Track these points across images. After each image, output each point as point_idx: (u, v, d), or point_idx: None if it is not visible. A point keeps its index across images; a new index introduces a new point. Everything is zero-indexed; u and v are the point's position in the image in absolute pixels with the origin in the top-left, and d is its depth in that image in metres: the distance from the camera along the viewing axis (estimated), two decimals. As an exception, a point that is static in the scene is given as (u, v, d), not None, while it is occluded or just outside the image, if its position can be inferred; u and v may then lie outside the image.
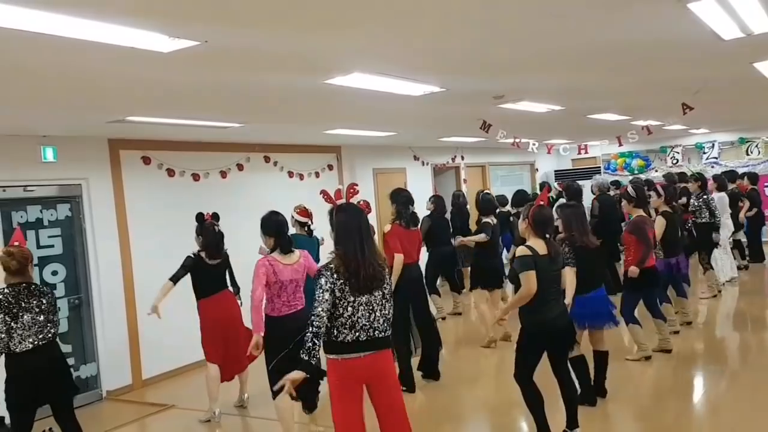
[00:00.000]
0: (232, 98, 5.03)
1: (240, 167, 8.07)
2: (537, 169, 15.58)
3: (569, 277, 4.64)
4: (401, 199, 6.08)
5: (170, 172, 7.22)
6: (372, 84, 4.79)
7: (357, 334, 3.36)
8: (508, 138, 8.36)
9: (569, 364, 4.59)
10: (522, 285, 4.18)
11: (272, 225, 4.64)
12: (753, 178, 11.21)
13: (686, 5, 3.38)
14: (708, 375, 6.02)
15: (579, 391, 4.73)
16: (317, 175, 9.33)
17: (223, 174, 7.84)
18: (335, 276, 3.35)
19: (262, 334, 4.46)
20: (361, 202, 4.08)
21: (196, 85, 4.43)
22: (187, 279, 5.60)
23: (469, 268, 7.97)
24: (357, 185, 3.96)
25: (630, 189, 6.36)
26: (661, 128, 10.17)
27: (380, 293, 3.46)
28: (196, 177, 7.49)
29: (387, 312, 3.49)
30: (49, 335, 4.29)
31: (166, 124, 5.83)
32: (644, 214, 6.33)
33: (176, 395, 6.47)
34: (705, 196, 8.89)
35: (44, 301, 4.28)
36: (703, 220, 8.75)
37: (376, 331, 3.42)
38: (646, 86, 6.30)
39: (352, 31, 3.36)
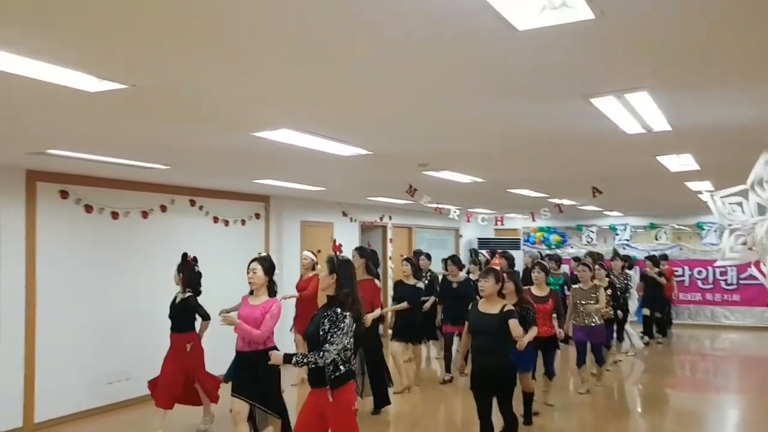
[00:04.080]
0: (158, 142, 5.03)
1: (163, 208, 7.95)
2: (461, 236, 16.02)
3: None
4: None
5: (88, 209, 7.04)
6: (300, 141, 4.91)
7: (351, 365, 4.04)
8: (432, 203, 8.64)
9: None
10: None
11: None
12: (629, 260, 11.47)
13: (589, 100, 3.71)
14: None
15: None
16: (243, 222, 9.27)
17: (145, 214, 7.70)
18: (353, 319, 3.97)
19: None
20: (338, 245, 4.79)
21: (121, 126, 4.43)
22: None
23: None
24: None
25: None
26: (576, 207, 10.74)
27: None
28: (115, 215, 7.33)
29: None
30: None
31: (87, 160, 5.75)
32: None
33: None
34: (627, 274, 10.14)
35: None
36: (627, 296, 9.91)
37: None
38: (559, 169, 6.71)
39: (280, 88, 3.48)
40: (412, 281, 7.81)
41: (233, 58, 2.91)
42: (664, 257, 12.94)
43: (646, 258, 12.22)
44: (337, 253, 4.38)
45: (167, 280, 6.37)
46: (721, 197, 4.21)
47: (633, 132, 4.63)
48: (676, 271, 13.87)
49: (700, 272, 13.97)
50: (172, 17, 2.40)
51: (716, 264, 12.08)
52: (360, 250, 7.14)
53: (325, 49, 2.80)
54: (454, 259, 8.60)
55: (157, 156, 5.76)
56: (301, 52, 2.84)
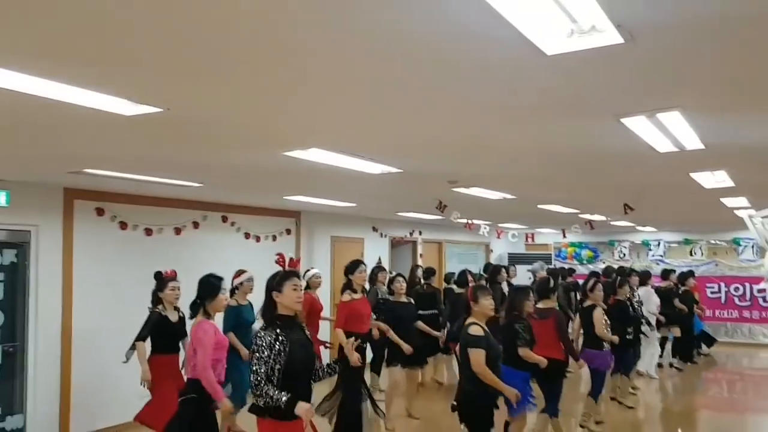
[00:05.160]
0: (192, 161, 5.14)
1: (196, 225, 8.08)
2: (492, 251, 15.92)
3: None
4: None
5: (123, 225, 7.19)
6: (330, 160, 4.96)
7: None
8: (462, 219, 8.62)
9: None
10: None
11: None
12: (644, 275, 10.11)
13: (620, 120, 3.68)
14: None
15: None
16: (274, 238, 9.37)
17: (178, 231, 7.84)
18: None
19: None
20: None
21: (156, 146, 4.53)
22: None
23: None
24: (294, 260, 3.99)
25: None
26: (608, 223, 10.59)
27: None
28: (148, 232, 7.47)
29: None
30: None
31: (123, 178, 5.88)
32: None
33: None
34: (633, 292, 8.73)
35: None
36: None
37: None
38: (590, 186, 6.65)
39: (311, 108, 3.54)
40: (404, 299, 7.16)
41: (265, 83, 2.97)
42: (691, 274, 11.31)
43: (661, 273, 10.97)
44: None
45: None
46: (762, 217, 4.13)
47: (665, 150, 4.58)
48: (711, 287, 13.57)
49: (737, 289, 13.62)
50: (205, 46, 2.47)
51: (761, 285, 11.55)
52: None
53: (356, 72, 2.83)
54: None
55: (191, 174, 5.87)
56: (332, 76, 2.88)
